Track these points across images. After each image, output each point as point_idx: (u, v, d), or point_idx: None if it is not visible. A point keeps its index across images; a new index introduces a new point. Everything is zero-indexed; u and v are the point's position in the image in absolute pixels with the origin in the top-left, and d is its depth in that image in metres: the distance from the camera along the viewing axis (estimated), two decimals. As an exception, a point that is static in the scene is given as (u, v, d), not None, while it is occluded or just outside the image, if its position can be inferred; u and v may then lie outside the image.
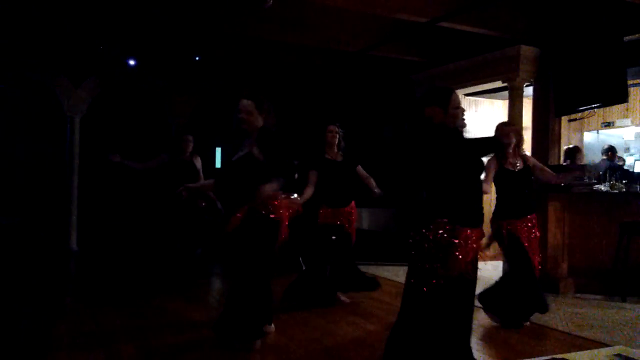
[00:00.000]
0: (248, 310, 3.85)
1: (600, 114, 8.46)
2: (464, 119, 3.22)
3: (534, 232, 4.83)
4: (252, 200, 3.86)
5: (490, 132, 8.80)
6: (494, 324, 4.86)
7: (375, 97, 9.27)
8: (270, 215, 3.94)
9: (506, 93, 7.16)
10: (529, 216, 4.81)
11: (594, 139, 8.90)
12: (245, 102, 4.09)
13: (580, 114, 7.15)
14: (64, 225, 8.86)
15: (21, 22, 7.13)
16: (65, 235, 8.82)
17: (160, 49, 8.33)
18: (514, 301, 4.76)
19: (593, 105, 6.44)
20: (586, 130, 8.65)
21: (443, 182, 3.04)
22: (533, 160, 5.03)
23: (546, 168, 5.16)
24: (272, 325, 4.33)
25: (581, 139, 8.54)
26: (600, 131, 8.90)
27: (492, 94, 8.29)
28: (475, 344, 4.28)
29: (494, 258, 7.91)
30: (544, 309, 4.84)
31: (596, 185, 6.40)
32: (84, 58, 8.49)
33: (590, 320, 5.03)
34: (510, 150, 4.81)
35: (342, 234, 5.44)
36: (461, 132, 3.23)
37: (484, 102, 8.80)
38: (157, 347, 4.00)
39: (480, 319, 5.10)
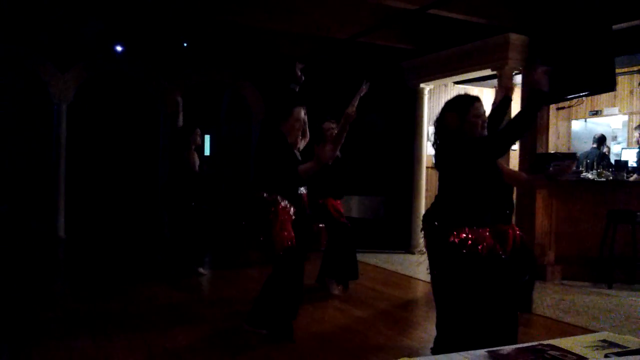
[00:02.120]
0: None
1: (588, 102, 8.49)
2: (484, 129, 3.17)
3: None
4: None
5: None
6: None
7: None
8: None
9: (495, 81, 7.16)
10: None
11: (581, 128, 8.95)
12: (302, 109, 4.26)
13: (568, 103, 7.18)
14: (52, 212, 8.81)
15: (5, 7, 7.03)
16: (53, 222, 8.77)
17: (147, 34, 8.25)
18: None
19: (581, 94, 6.46)
20: (574, 119, 8.68)
21: (452, 186, 3.15)
22: (501, 167, 4.81)
23: (519, 172, 5.07)
24: None
25: (569, 128, 8.58)
26: (588, 119, 8.94)
27: (482, 82, 8.29)
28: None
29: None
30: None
31: (583, 174, 6.45)
32: (70, 44, 8.39)
33: (576, 307, 5.09)
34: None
35: (338, 224, 5.50)
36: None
37: (474, 90, 8.79)
38: (146, 333, 4.00)
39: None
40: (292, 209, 4.00)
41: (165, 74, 9.46)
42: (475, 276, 3.01)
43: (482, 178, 3.07)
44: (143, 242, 8.59)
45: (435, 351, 3.28)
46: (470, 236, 2.97)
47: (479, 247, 2.98)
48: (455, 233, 2.99)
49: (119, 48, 8.37)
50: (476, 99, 3.24)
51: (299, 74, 4.89)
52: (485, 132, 3.16)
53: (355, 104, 4.66)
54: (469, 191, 3.07)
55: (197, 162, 6.27)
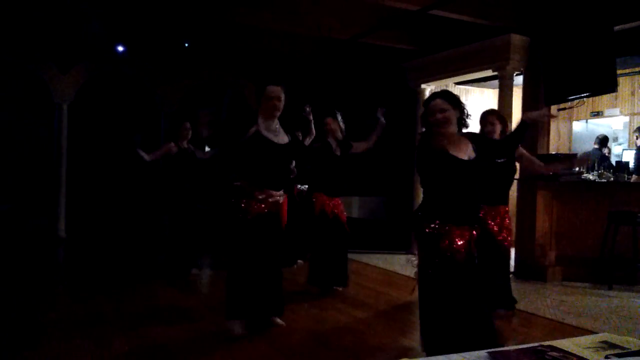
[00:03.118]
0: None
1: (590, 103, 8.49)
2: (444, 125, 3.13)
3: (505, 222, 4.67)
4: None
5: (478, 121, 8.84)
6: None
7: (366, 85, 9.24)
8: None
9: (496, 82, 7.16)
10: (500, 206, 4.64)
11: (582, 129, 8.95)
12: (277, 89, 4.06)
13: (569, 104, 7.17)
14: (53, 212, 8.81)
15: (7, 8, 7.04)
16: (54, 222, 8.78)
17: (149, 35, 8.26)
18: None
19: (582, 95, 6.46)
20: (575, 120, 8.68)
21: (426, 185, 3.27)
22: (521, 150, 4.83)
23: (535, 159, 4.98)
24: (279, 319, 4.23)
25: (570, 129, 8.58)
26: (589, 120, 8.94)
27: (483, 83, 8.29)
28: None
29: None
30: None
31: (584, 175, 6.45)
32: (71, 44, 8.40)
33: (577, 308, 5.08)
34: (496, 137, 4.68)
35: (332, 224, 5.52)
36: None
37: (475, 91, 8.81)
38: (146, 334, 4.00)
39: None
40: (265, 197, 3.98)
41: (166, 74, 9.47)
42: (449, 271, 3.08)
43: (436, 183, 3.19)
44: (144, 242, 8.59)
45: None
46: (441, 230, 3.07)
47: (455, 245, 3.06)
48: (429, 224, 3.10)
49: (120, 48, 8.37)
50: (432, 98, 3.22)
51: (308, 113, 5.11)
52: (447, 129, 3.13)
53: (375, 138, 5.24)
54: (429, 190, 3.24)
55: (196, 151, 6.32)
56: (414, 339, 4.13)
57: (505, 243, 4.62)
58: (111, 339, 3.87)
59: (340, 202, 5.61)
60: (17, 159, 9.58)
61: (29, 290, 5.43)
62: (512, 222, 4.86)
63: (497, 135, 4.63)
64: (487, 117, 4.68)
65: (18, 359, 3.48)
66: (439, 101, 3.15)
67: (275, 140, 4.03)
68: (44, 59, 8.57)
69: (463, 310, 3.04)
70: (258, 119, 4.02)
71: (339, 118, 5.49)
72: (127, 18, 7.48)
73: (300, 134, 5.06)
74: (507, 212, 4.67)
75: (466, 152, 3.14)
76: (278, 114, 4.06)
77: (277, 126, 4.10)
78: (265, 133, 3.99)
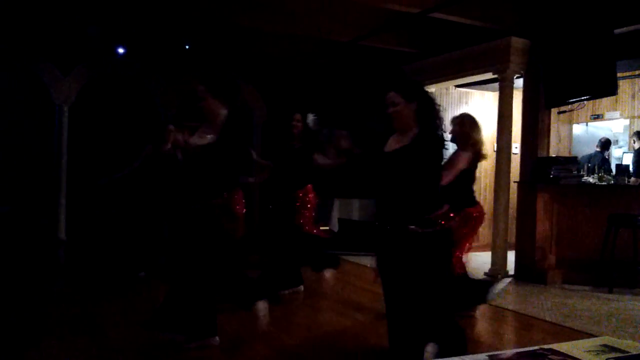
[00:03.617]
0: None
1: (590, 106, 8.50)
2: (395, 120, 2.98)
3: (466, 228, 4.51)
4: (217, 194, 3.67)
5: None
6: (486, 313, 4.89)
7: (366, 87, 9.24)
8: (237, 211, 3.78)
9: (497, 85, 7.17)
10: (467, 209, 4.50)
11: (583, 132, 8.95)
12: (203, 87, 3.85)
13: (569, 106, 7.17)
14: (53, 214, 8.80)
15: (8, 9, 7.04)
16: (54, 224, 8.77)
17: (149, 37, 8.26)
18: None
19: (582, 98, 6.47)
20: (575, 123, 8.69)
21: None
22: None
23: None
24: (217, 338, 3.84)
25: (570, 132, 8.58)
26: (589, 123, 8.94)
27: (483, 86, 8.29)
28: (465, 334, 4.31)
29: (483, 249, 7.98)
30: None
31: (585, 177, 6.45)
32: (72, 46, 8.40)
33: (577, 311, 5.08)
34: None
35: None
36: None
37: (475, 94, 8.81)
38: (146, 334, 4.00)
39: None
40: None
41: (167, 76, 9.46)
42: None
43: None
44: (144, 244, 8.57)
45: None
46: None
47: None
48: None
49: (120, 50, 8.38)
50: (387, 90, 3.00)
51: (311, 124, 5.08)
52: (399, 124, 2.97)
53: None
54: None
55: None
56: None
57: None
58: (109, 338, 3.87)
59: (301, 195, 5.25)
60: (17, 161, 9.56)
61: (30, 291, 5.42)
62: None
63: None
64: (455, 118, 4.63)
65: (20, 359, 3.48)
66: (391, 94, 2.96)
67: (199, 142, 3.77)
68: (44, 60, 8.57)
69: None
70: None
71: (310, 119, 5.32)
72: (128, 20, 7.47)
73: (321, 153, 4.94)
74: None
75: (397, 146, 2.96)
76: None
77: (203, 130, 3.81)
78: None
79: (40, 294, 5.34)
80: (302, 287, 5.51)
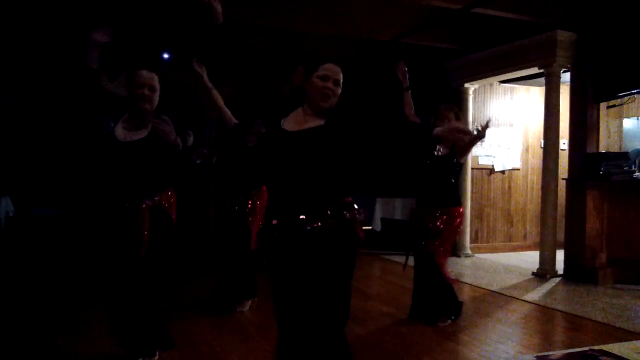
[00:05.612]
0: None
1: (641, 100, 8.22)
2: (328, 99, 2.51)
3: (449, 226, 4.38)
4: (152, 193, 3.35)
5: (525, 121, 8.67)
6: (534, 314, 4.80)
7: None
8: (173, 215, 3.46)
9: (542, 80, 7.01)
10: (452, 208, 4.39)
11: (634, 126, 8.65)
12: (149, 75, 3.42)
13: (619, 100, 6.96)
14: (102, 218, 9.05)
15: (56, 18, 7.30)
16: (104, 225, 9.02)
17: (195, 42, 8.40)
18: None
19: (633, 91, 6.26)
20: (626, 117, 8.41)
21: None
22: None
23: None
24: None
25: (621, 126, 8.31)
26: (640, 118, 8.65)
27: (528, 81, 8.13)
28: (512, 335, 4.25)
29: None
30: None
31: (636, 174, 6.24)
32: (119, 52, 8.63)
33: (629, 312, 4.92)
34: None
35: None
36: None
37: (520, 90, 8.64)
38: (183, 326, 4.08)
39: (520, 310, 5.05)
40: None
41: (211, 79, 9.61)
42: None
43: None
44: (190, 243, 8.75)
45: None
46: None
47: None
48: None
49: (166, 56, 8.57)
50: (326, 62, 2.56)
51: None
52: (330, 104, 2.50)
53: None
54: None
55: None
56: (460, 342, 4.08)
57: None
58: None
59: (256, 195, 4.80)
60: (66, 165, 9.88)
61: (78, 293, 5.58)
62: None
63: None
64: (444, 112, 4.45)
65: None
66: (338, 69, 2.59)
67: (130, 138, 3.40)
68: (77, 68, 8.83)
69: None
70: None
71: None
72: (174, 27, 7.63)
73: None
74: None
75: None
76: (148, 106, 3.45)
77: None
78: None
79: (88, 297, 5.50)
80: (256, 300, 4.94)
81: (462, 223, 4.55)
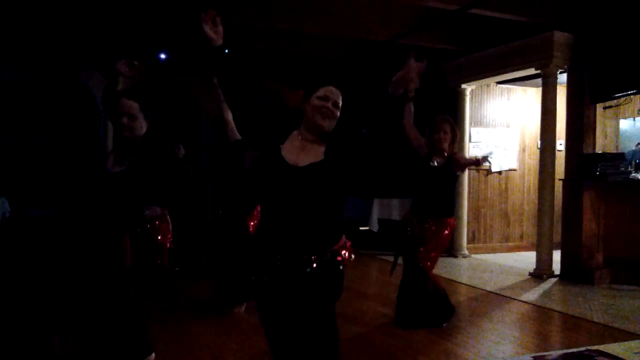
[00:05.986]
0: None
1: (637, 100, 8.23)
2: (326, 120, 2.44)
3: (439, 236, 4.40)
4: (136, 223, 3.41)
5: (521, 121, 8.68)
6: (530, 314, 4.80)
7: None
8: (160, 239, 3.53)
9: (539, 81, 7.03)
10: (443, 219, 4.40)
11: (630, 127, 8.68)
12: (129, 103, 3.31)
13: (615, 101, 6.98)
14: (97, 219, 9.03)
15: (55, 18, 7.27)
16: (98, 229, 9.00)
17: (191, 42, 8.40)
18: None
19: (629, 92, 6.28)
20: (622, 118, 8.44)
21: None
22: (459, 157, 4.50)
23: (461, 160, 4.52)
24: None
25: (617, 127, 8.34)
26: (636, 118, 8.67)
27: (525, 82, 8.14)
28: (509, 335, 4.26)
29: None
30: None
31: (633, 174, 6.26)
32: (115, 52, 8.61)
33: (625, 312, 4.94)
34: (445, 146, 4.40)
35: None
36: None
37: (517, 90, 8.66)
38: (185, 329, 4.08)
39: (516, 310, 5.06)
40: None
41: (208, 80, 9.61)
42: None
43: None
44: (181, 239, 8.74)
45: None
46: None
47: None
48: None
49: (162, 56, 8.55)
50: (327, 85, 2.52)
51: None
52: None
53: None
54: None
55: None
56: (456, 342, 4.08)
57: None
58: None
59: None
60: (63, 165, 9.86)
61: (76, 291, 5.57)
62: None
63: (445, 146, 4.39)
64: (440, 124, 4.41)
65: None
66: (336, 91, 2.54)
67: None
68: (89, 67, 8.82)
69: None
70: None
71: None
72: (170, 25, 7.62)
73: None
74: None
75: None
76: (127, 134, 3.30)
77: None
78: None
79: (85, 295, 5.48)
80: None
81: (451, 234, 4.54)
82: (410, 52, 2.51)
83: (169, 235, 3.61)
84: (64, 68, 8.84)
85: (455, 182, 4.59)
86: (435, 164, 4.42)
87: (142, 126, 3.35)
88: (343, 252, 2.36)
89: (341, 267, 2.36)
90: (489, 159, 4.31)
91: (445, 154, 4.42)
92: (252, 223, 4.68)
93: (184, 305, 5.06)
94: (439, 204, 4.43)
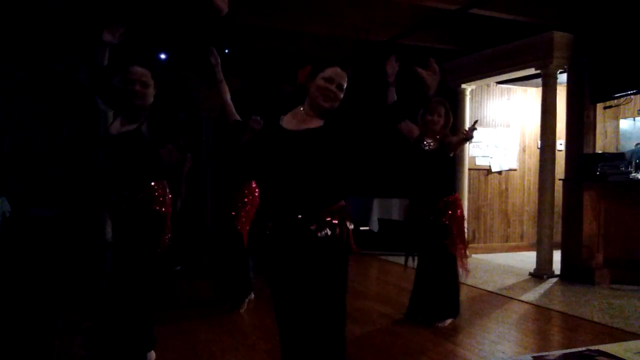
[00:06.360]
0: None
1: (637, 100, 8.24)
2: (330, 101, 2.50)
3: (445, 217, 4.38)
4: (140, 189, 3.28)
5: (521, 121, 8.68)
6: (531, 314, 4.80)
7: (405, 87, 9.18)
8: (158, 209, 3.33)
9: (539, 81, 7.03)
10: (449, 198, 4.41)
11: (630, 126, 8.68)
12: (141, 70, 3.37)
13: (616, 101, 6.98)
14: (99, 217, 9.04)
15: (55, 18, 7.28)
16: (101, 227, 9.00)
17: (191, 42, 8.40)
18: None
19: (629, 92, 6.28)
20: (622, 118, 8.44)
21: None
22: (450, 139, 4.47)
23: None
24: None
25: (617, 127, 8.34)
26: (636, 118, 8.67)
27: (525, 82, 8.14)
28: (509, 334, 4.26)
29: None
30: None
31: (633, 174, 6.26)
32: (114, 52, 8.61)
33: (625, 312, 4.93)
34: (437, 128, 4.42)
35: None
36: None
37: (517, 90, 8.66)
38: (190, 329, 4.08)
39: (516, 310, 5.06)
40: None
41: (207, 80, 9.62)
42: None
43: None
44: (182, 238, 8.74)
45: None
46: None
47: None
48: None
49: (162, 56, 8.56)
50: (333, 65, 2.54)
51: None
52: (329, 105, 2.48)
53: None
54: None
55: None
56: (458, 343, 4.08)
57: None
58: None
59: (244, 192, 4.65)
60: (65, 165, 9.87)
61: (75, 292, 5.58)
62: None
63: (438, 128, 4.41)
64: (435, 106, 4.42)
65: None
66: (345, 73, 2.58)
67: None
68: (88, 66, 8.82)
69: None
70: None
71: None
72: (169, 26, 7.62)
73: None
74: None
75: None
76: (139, 102, 3.40)
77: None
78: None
79: (85, 295, 5.49)
80: (252, 295, 4.90)
81: (463, 212, 4.58)
82: (429, 57, 2.68)
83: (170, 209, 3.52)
84: (64, 68, 8.83)
85: (451, 164, 4.58)
86: (429, 147, 4.41)
87: (152, 94, 3.42)
88: (342, 220, 2.40)
89: (338, 231, 2.38)
90: (475, 127, 4.34)
91: (438, 137, 4.42)
92: (247, 199, 4.58)
93: (184, 305, 5.07)
94: (440, 186, 4.43)
